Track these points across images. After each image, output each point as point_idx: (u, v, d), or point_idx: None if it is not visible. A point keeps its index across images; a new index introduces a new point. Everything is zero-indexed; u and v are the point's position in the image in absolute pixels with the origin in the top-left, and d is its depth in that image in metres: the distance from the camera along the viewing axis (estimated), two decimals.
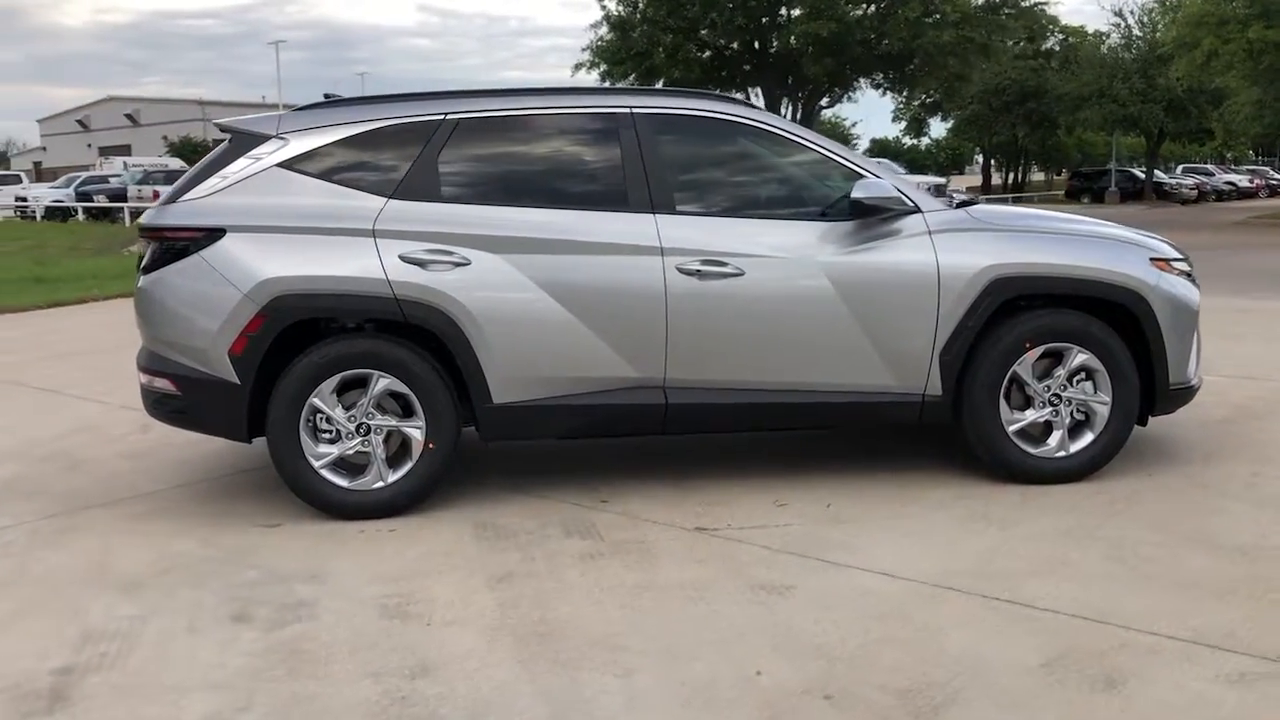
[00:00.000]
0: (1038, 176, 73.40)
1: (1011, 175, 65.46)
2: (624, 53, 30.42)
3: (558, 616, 3.67)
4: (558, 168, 4.94)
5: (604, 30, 31.24)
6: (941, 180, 42.58)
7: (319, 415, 4.65)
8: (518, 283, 4.64)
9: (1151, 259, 5.00)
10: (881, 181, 4.80)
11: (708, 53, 31.35)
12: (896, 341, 4.81)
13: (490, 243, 4.64)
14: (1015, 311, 4.92)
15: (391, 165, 4.75)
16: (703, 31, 30.35)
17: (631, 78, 30.97)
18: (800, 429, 5.67)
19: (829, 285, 4.75)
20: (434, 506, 4.80)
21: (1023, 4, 31.19)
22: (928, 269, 4.79)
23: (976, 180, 67.10)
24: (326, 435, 4.68)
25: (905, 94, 35.98)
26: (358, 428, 4.66)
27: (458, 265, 4.61)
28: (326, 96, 5.20)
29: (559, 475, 5.25)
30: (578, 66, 31.74)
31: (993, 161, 64.83)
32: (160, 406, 4.84)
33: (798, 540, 4.33)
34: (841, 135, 68.46)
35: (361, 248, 4.60)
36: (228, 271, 4.55)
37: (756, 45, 31.56)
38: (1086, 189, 50.67)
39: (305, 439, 4.63)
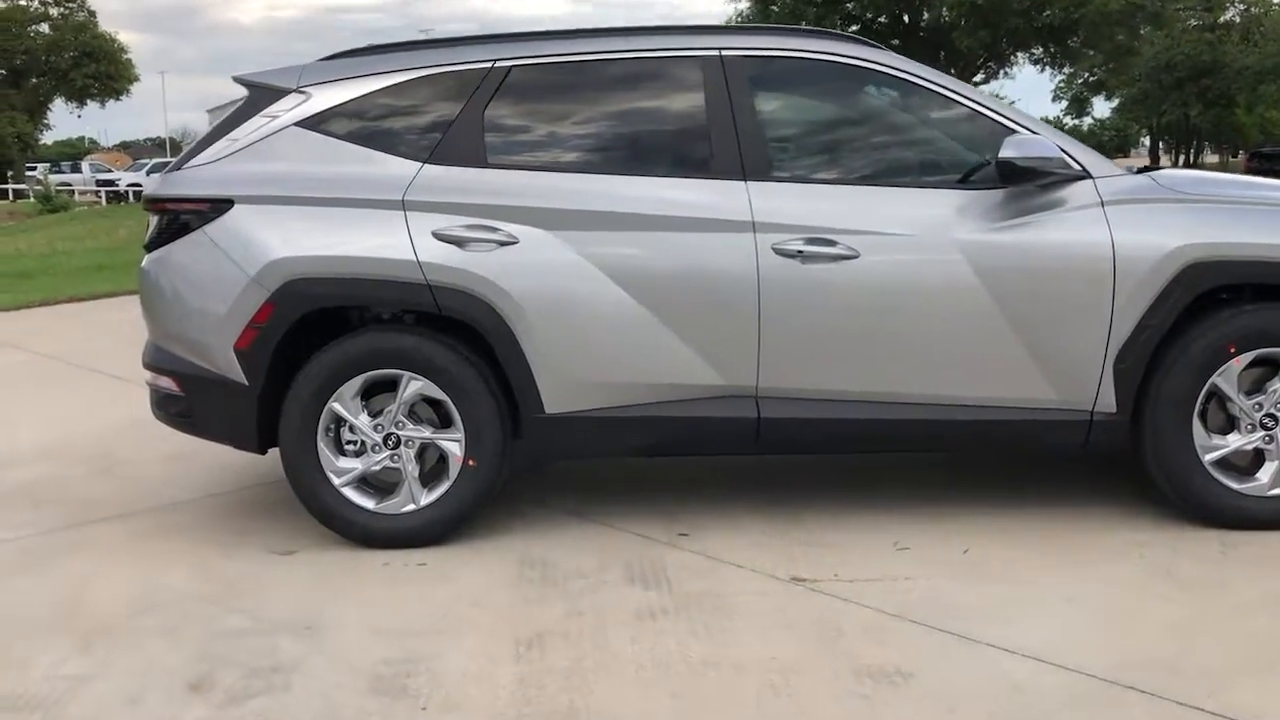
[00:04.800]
0: (1211, 158, 68.66)
1: (1182, 157, 61.28)
2: None
3: (590, 704, 2.79)
4: (628, 125, 4.03)
5: (744, 5, 30.06)
6: None
7: (341, 424, 3.89)
8: (576, 266, 3.77)
9: None
10: (1039, 139, 3.73)
11: (854, 26, 29.83)
12: (1056, 344, 3.75)
13: (543, 217, 3.78)
14: (1215, 307, 3.80)
15: (429, 124, 3.94)
16: (848, 4, 28.91)
17: None
18: (928, 452, 4.64)
19: (969, 271, 3.73)
20: (477, 534, 3.99)
21: None
22: (1099, 250, 3.71)
23: (1143, 162, 63.23)
24: (351, 447, 3.91)
25: (1066, 70, 33.62)
26: (385, 439, 3.88)
27: (503, 244, 3.77)
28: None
29: (631, 499, 4.37)
30: None
31: (1161, 143, 60.89)
32: (164, 409, 4.16)
33: (921, 602, 3.34)
34: None
35: (389, 222, 3.80)
36: (233, 250, 3.82)
37: (905, 18, 29.92)
38: (1266, 170, 46.90)
39: (324, 451, 3.87)
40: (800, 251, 3.73)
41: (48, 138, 65.62)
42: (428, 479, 3.94)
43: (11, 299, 11.42)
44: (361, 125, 3.95)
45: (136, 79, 51.10)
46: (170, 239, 3.96)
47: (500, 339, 3.79)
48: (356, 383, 3.84)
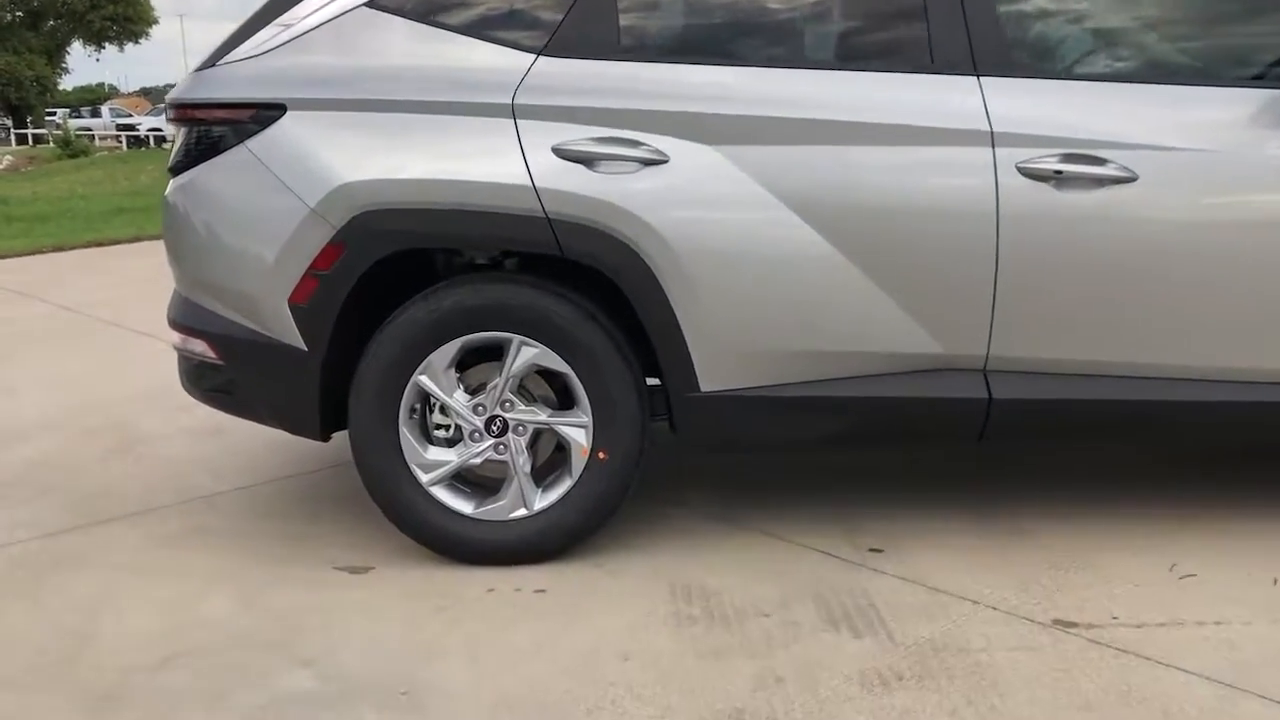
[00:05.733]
0: None
1: None
2: None
3: None
4: (815, 2, 3.03)
5: None
6: None
7: (429, 404, 2.95)
8: (745, 193, 2.78)
9: None
10: None
11: None
12: None
13: (701, 126, 2.79)
14: None
15: (542, 1, 2.94)
16: None
17: None
18: (1229, 444, 3.66)
19: None
20: (604, 547, 3.05)
21: None
22: None
23: None
24: (441, 434, 2.97)
25: None
26: (489, 424, 2.93)
27: (647, 163, 2.78)
28: None
29: (790, 499, 3.42)
30: None
31: None
32: (196, 381, 3.22)
33: (1255, 662, 2.38)
34: None
35: (494, 134, 2.81)
36: (286, 172, 2.85)
37: None
38: None
39: (408, 439, 2.92)
40: (1057, 172, 2.73)
41: (67, 83, 64.79)
42: (541, 475, 3.00)
43: (27, 243, 10.55)
44: (453, 3, 2.95)
45: (155, 21, 49.88)
46: (202, 158, 2.99)
47: (643, 292, 2.81)
48: (451, 349, 2.88)
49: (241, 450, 4.06)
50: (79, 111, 50.66)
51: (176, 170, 3.07)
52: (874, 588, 2.80)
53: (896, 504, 3.32)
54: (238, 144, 2.91)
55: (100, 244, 10.48)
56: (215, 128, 2.95)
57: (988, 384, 2.86)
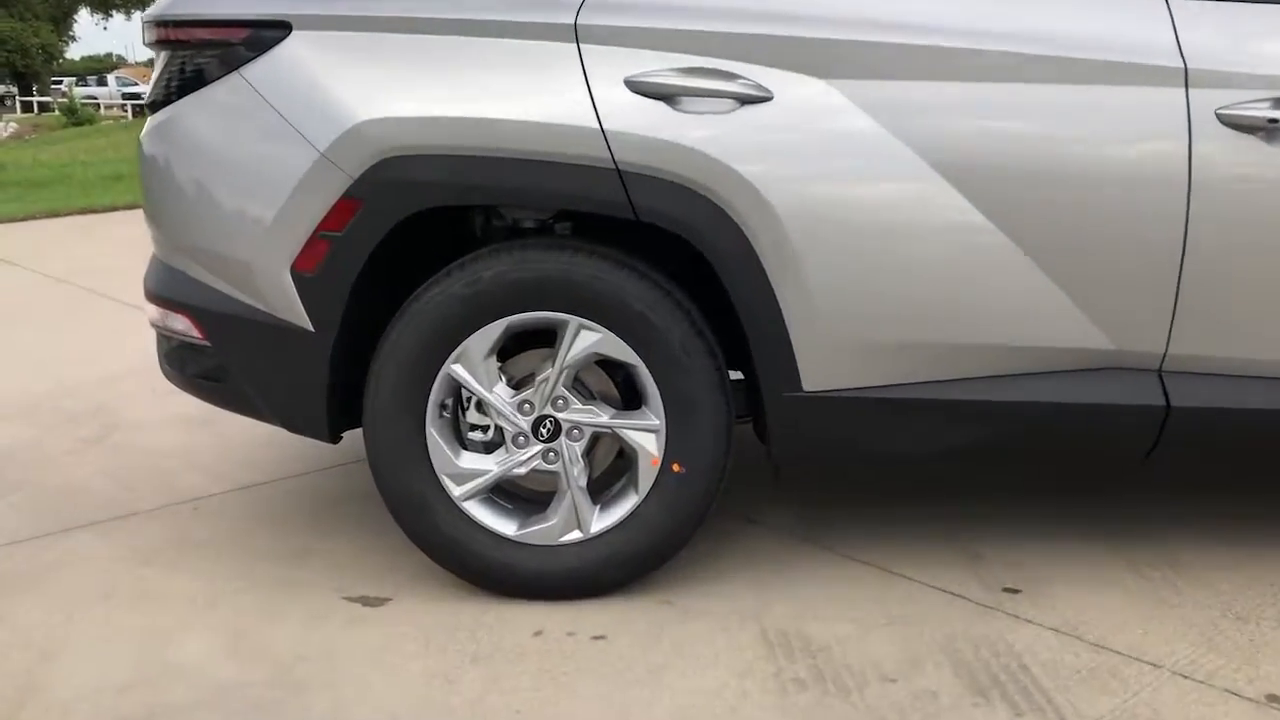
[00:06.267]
0: None
1: None
2: None
3: None
4: None
5: None
6: None
7: (463, 400, 2.38)
8: (868, 141, 2.19)
9: None
10: None
11: None
12: None
13: (813, 54, 2.20)
14: None
15: None
16: None
17: None
18: None
19: None
20: (673, 578, 2.49)
21: None
22: None
23: None
24: (477, 437, 2.40)
25: None
26: (536, 426, 2.36)
27: (746, 101, 2.20)
28: None
29: (892, 517, 2.84)
30: None
31: None
32: (178, 365, 2.64)
33: None
34: None
35: (551, 62, 2.23)
36: (291, 109, 2.27)
37: None
38: None
39: (437, 442, 2.35)
40: (1271, 121, 2.15)
41: (74, 53, 64.33)
42: (599, 490, 2.43)
43: (20, 208, 9.98)
44: None
45: None
46: (185, 90, 2.41)
47: (734, 265, 2.24)
48: (492, 333, 2.30)
49: (239, 442, 3.51)
50: (85, 80, 50.04)
51: (155, 107, 2.49)
52: (1020, 641, 2.23)
53: (1022, 527, 2.76)
54: (230, 73, 2.33)
55: (95, 210, 9.92)
56: (202, 52, 2.37)
57: (1164, 388, 2.28)
